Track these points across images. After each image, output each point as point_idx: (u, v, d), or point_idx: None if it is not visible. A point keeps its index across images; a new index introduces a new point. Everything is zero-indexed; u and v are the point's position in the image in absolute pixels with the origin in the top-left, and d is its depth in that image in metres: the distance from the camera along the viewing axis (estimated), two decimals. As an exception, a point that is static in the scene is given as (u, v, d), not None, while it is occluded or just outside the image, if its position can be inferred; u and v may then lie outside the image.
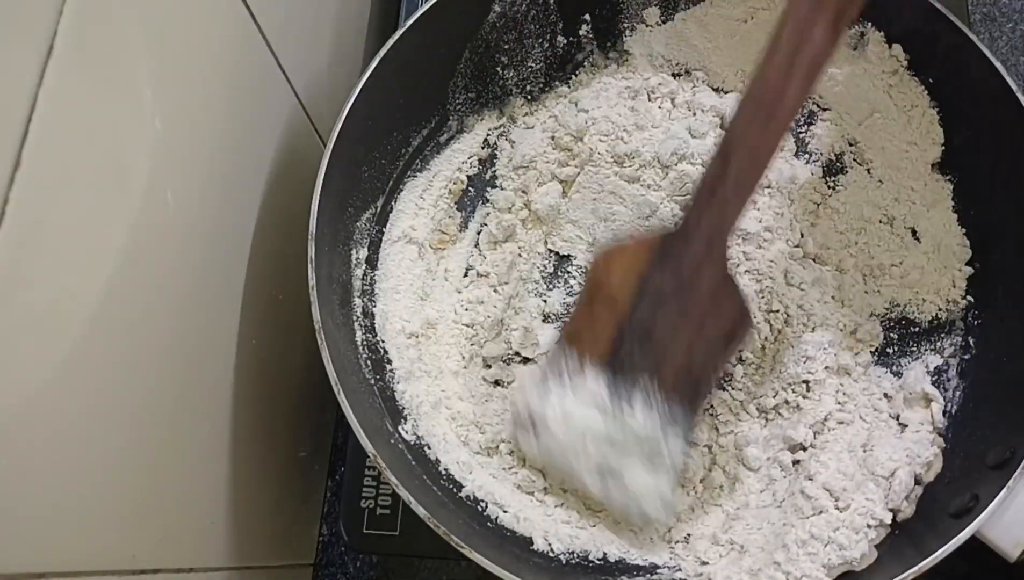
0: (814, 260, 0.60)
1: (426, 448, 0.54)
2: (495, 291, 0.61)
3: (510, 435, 0.54)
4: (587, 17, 0.64)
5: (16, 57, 0.30)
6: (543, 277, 0.61)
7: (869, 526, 0.49)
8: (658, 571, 0.52)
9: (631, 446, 0.50)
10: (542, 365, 0.53)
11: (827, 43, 0.44)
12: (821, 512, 0.50)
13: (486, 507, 0.53)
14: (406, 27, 0.56)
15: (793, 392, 0.57)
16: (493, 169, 0.64)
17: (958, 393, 0.56)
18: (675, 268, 0.49)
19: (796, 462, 0.55)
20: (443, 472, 0.53)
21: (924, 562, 0.45)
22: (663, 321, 0.50)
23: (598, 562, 0.52)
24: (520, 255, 0.62)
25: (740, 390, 0.57)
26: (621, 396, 0.50)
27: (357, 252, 0.57)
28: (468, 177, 0.64)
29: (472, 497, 0.53)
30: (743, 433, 0.56)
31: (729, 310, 0.50)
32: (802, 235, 0.60)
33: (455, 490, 0.53)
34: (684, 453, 0.51)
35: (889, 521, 0.50)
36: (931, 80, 0.60)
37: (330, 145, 0.52)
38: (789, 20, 0.44)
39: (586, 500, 0.53)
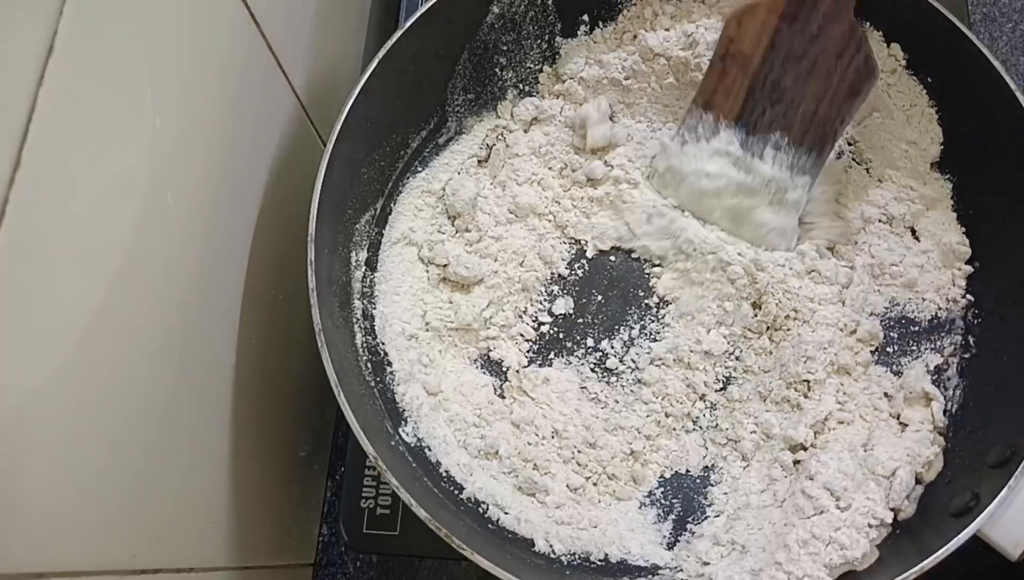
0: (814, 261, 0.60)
1: (427, 450, 0.54)
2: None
3: (656, 184, 0.59)
4: (585, 17, 0.64)
5: (16, 57, 0.30)
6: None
7: (870, 526, 0.49)
8: (659, 572, 0.52)
9: (760, 189, 0.55)
10: (678, 129, 0.57)
11: None
12: (822, 512, 0.50)
13: (487, 509, 0.53)
14: (406, 27, 0.56)
15: (795, 391, 0.57)
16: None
17: (958, 392, 0.56)
18: (804, 24, 0.51)
19: (797, 462, 0.54)
20: (444, 474, 0.53)
21: (925, 561, 0.45)
22: (794, 76, 0.53)
23: (599, 563, 0.52)
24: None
25: (745, 385, 0.58)
26: (753, 149, 0.54)
27: (357, 254, 0.57)
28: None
29: (473, 499, 0.53)
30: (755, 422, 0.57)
31: (856, 64, 0.52)
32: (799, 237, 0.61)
33: (456, 492, 0.53)
34: (807, 193, 0.55)
35: (890, 520, 0.50)
36: (930, 79, 0.60)
37: (329, 146, 0.52)
38: None
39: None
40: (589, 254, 0.61)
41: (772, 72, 0.53)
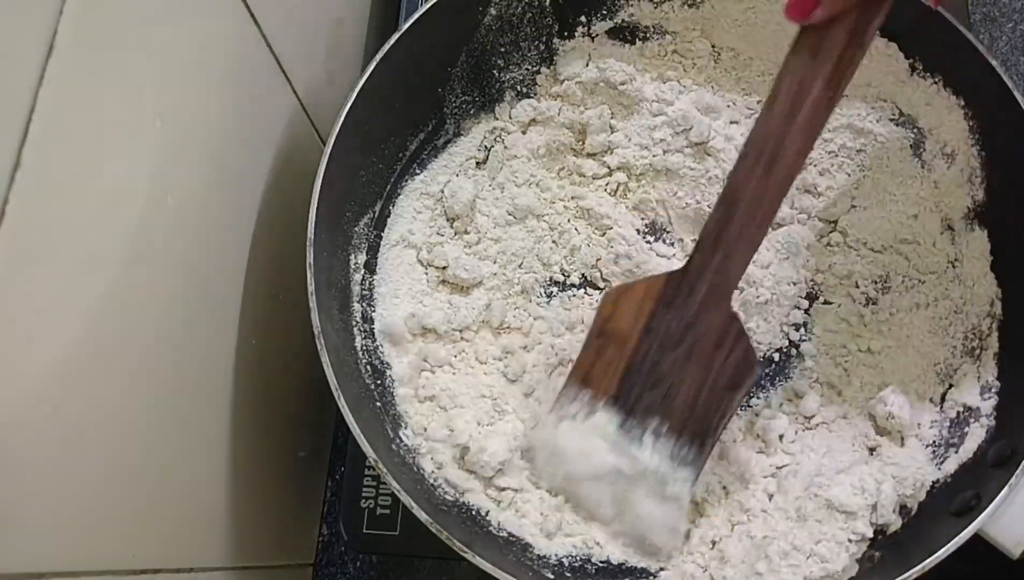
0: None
1: (427, 452, 0.54)
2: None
3: (526, 464, 0.55)
4: (583, 19, 0.64)
5: (16, 56, 0.30)
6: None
7: (851, 540, 0.49)
8: (659, 574, 0.52)
9: (640, 480, 0.51)
10: (554, 404, 0.54)
11: (827, 97, 0.44)
12: (804, 524, 0.50)
13: (488, 511, 0.53)
14: (405, 28, 0.56)
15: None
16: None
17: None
18: (681, 312, 0.50)
19: (780, 468, 0.55)
20: (444, 476, 0.53)
21: (927, 561, 0.45)
22: (671, 362, 0.50)
23: (600, 564, 0.52)
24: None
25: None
26: (632, 434, 0.51)
27: (356, 257, 0.57)
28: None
29: (473, 501, 0.53)
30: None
31: (735, 356, 0.50)
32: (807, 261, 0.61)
33: (457, 493, 0.53)
34: (691, 490, 0.52)
35: (871, 535, 0.50)
36: (931, 80, 0.60)
37: (328, 148, 0.52)
38: (787, 70, 0.44)
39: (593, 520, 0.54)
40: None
41: (649, 354, 0.51)
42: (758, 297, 0.58)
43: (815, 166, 0.62)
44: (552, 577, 0.51)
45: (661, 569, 0.52)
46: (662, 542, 0.52)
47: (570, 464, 0.52)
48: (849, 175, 0.62)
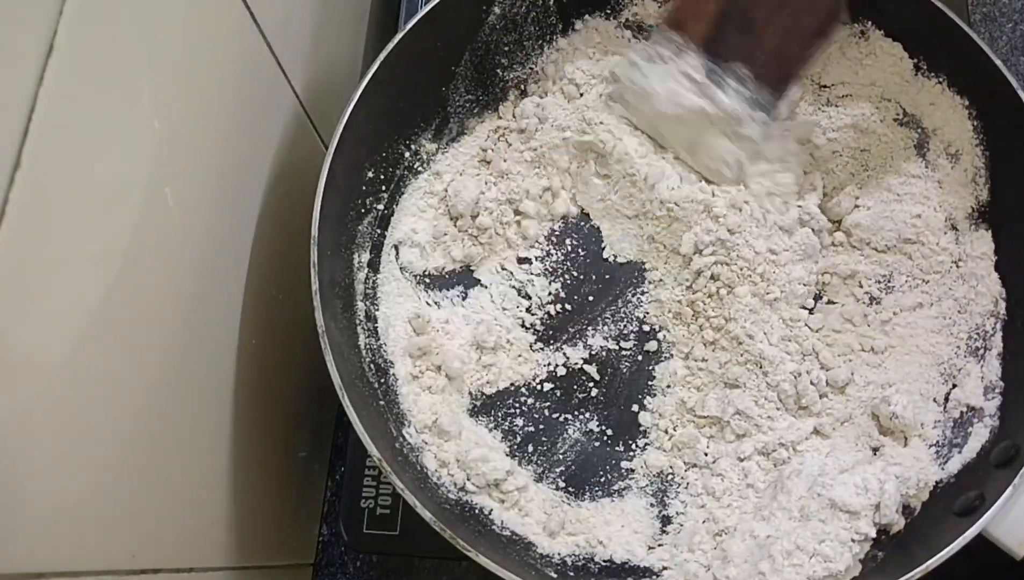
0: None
1: (430, 451, 0.54)
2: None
3: (618, 99, 0.59)
4: (586, 17, 0.64)
5: (16, 57, 0.30)
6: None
7: (854, 540, 0.49)
8: (661, 574, 0.52)
9: (718, 121, 0.54)
10: (646, 46, 0.57)
11: None
12: (807, 524, 0.50)
13: (491, 510, 0.53)
14: (406, 29, 0.56)
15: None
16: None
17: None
18: None
19: (782, 467, 0.54)
20: (448, 475, 0.53)
21: (930, 560, 0.45)
22: (765, 8, 0.53)
23: (604, 563, 0.52)
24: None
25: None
26: (715, 76, 0.54)
27: (359, 256, 0.57)
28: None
29: (476, 500, 0.53)
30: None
31: (825, 3, 0.52)
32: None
33: (460, 492, 0.53)
34: (766, 132, 0.55)
35: (874, 535, 0.49)
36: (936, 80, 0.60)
37: (332, 148, 0.52)
38: None
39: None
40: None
41: (741, 2, 0.53)
42: (768, 293, 0.58)
43: (817, 167, 0.62)
44: (555, 576, 0.51)
45: (664, 568, 0.52)
46: (724, 169, 0.55)
47: (657, 102, 0.55)
48: (853, 175, 0.62)
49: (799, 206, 0.60)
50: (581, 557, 0.52)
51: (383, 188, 0.60)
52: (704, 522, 0.54)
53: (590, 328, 0.60)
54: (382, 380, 0.55)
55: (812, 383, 0.57)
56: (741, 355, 0.57)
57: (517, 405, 0.58)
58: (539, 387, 0.58)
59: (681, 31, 0.55)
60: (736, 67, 0.54)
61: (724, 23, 0.54)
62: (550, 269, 0.61)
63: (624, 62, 0.59)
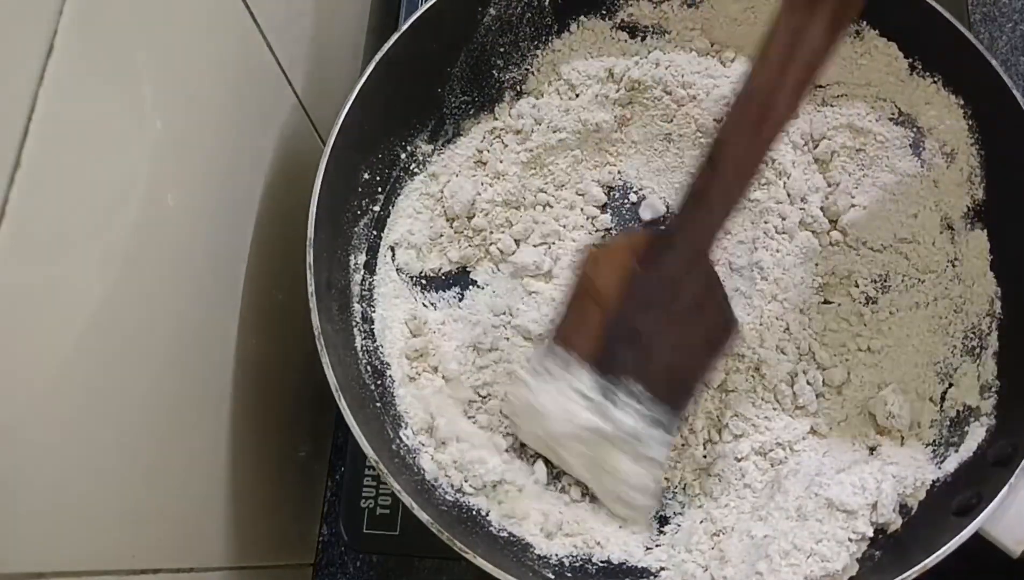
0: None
1: (427, 453, 0.54)
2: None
3: (508, 423, 0.56)
4: (582, 18, 0.64)
5: (16, 57, 0.30)
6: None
7: (851, 539, 0.49)
8: (659, 574, 0.52)
9: (617, 440, 0.50)
10: (532, 362, 0.54)
11: (822, 48, 0.43)
12: (804, 523, 0.50)
13: (488, 511, 0.53)
14: (403, 29, 0.56)
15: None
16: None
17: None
18: (661, 271, 0.49)
19: (780, 467, 0.54)
20: (445, 476, 0.53)
21: (928, 559, 0.45)
22: (649, 323, 0.50)
23: (601, 564, 0.52)
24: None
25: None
26: (608, 394, 0.50)
27: (355, 257, 0.57)
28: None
29: (474, 501, 0.53)
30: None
31: (714, 317, 0.50)
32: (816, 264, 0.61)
33: (457, 494, 0.53)
34: (667, 452, 0.52)
35: (871, 535, 0.49)
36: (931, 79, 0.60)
37: (327, 149, 0.52)
38: (782, 22, 0.43)
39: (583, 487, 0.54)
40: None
41: (630, 314, 0.50)
42: (774, 296, 0.59)
43: (816, 170, 0.62)
44: (552, 577, 0.51)
45: (662, 568, 0.52)
46: (634, 501, 0.52)
47: (550, 422, 0.51)
48: (849, 174, 0.62)
49: (802, 209, 0.60)
50: (579, 558, 0.52)
51: (379, 189, 0.60)
52: (701, 522, 0.54)
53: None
54: (379, 382, 0.55)
55: (809, 383, 0.57)
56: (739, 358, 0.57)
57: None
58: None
59: (570, 347, 0.51)
60: (629, 383, 0.50)
61: (612, 338, 0.50)
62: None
63: (515, 381, 0.55)
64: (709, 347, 0.50)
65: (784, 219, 0.60)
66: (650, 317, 0.50)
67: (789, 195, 0.61)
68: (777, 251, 0.60)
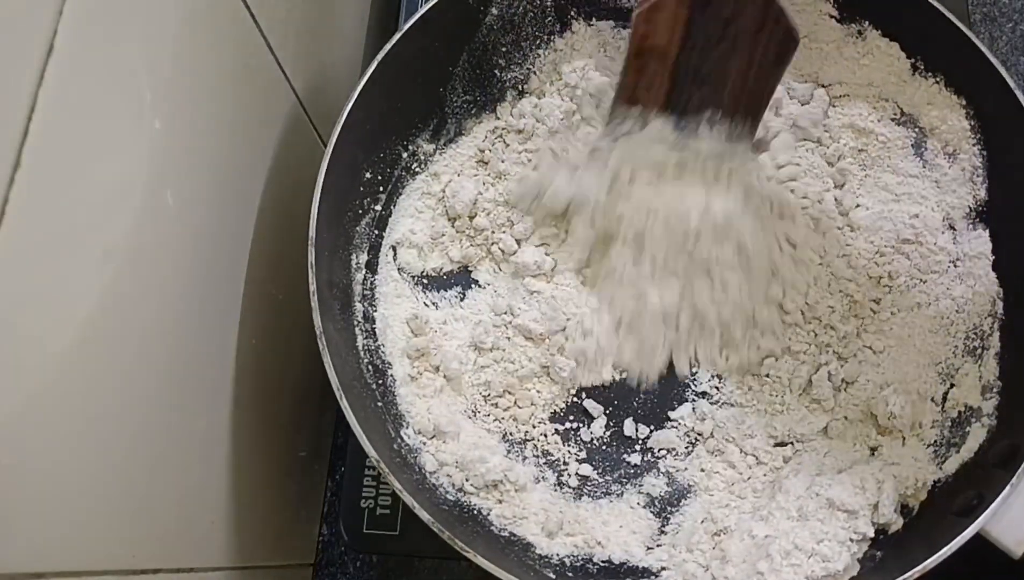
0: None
1: (428, 451, 0.54)
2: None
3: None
4: (584, 19, 0.64)
5: (16, 57, 0.30)
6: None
7: (852, 539, 0.49)
8: (659, 575, 0.52)
9: (699, 164, 0.54)
10: (605, 127, 0.56)
11: None
12: (805, 523, 0.50)
13: (489, 511, 0.53)
14: (405, 29, 0.56)
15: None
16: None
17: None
18: (717, 9, 0.51)
19: (781, 469, 0.54)
20: (446, 475, 0.53)
21: (928, 560, 0.45)
22: (715, 59, 0.52)
23: (602, 564, 0.52)
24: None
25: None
26: (688, 129, 0.54)
27: (357, 257, 0.57)
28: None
29: (475, 501, 0.53)
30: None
31: (776, 35, 0.51)
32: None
33: (458, 493, 0.53)
34: (751, 159, 0.54)
35: (872, 535, 0.49)
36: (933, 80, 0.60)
37: (329, 148, 0.52)
38: None
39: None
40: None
41: (692, 60, 0.52)
42: None
43: (815, 168, 0.62)
44: (553, 577, 0.51)
45: (663, 568, 0.52)
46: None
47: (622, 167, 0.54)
48: (853, 175, 0.62)
49: (819, 204, 0.60)
50: (579, 558, 0.52)
51: (381, 189, 0.60)
52: (702, 522, 0.54)
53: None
54: (380, 381, 0.55)
55: (830, 378, 0.57)
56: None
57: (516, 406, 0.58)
58: (538, 388, 0.58)
59: (638, 104, 0.54)
60: (704, 114, 0.54)
61: (679, 84, 0.53)
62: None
63: (590, 157, 0.57)
64: (777, 61, 0.52)
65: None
66: (714, 53, 0.52)
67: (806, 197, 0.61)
68: None
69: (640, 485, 0.56)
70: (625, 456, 0.57)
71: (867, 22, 0.61)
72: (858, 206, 0.61)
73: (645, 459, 0.57)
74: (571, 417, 0.58)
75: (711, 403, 0.58)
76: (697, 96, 0.53)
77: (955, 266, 0.58)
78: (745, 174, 0.56)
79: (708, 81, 0.52)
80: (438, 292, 0.60)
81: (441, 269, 0.61)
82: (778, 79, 0.53)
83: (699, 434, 0.57)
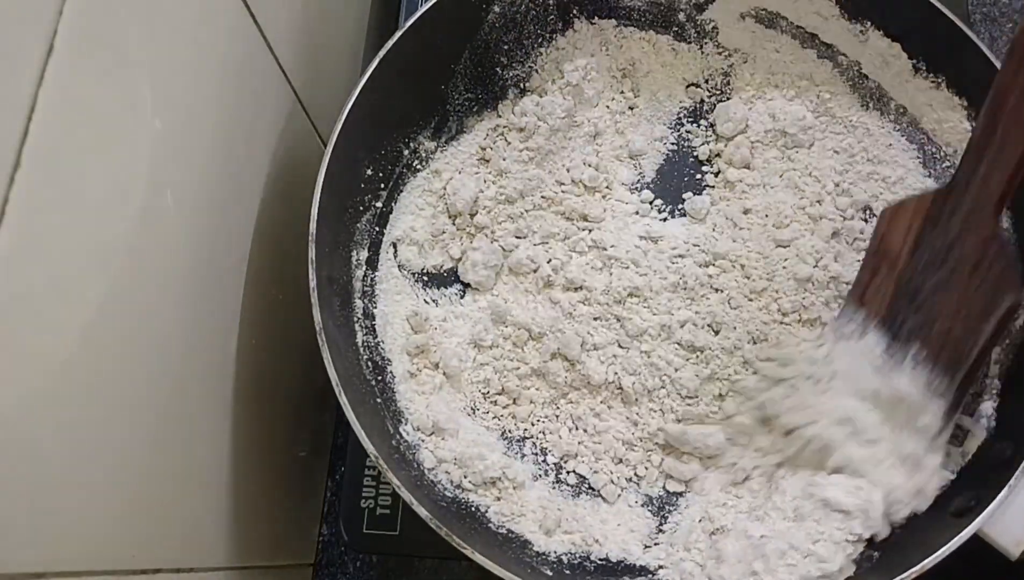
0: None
1: (427, 448, 0.54)
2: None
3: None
4: (586, 17, 0.64)
5: (16, 57, 0.30)
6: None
7: (848, 540, 0.49)
8: (657, 572, 0.52)
9: (897, 406, 0.50)
10: (835, 322, 0.54)
11: None
12: (801, 524, 0.50)
13: (488, 508, 0.53)
14: (406, 27, 0.56)
15: None
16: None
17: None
18: (945, 230, 0.49)
19: (778, 471, 0.54)
20: (444, 472, 0.53)
21: (926, 561, 0.45)
22: (933, 284, 0.50)
23: (600, 562, 0.52)
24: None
25: None
26: (895, 358, 0.51)
27: (357, 253, 0.58)
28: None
29: (473, 498, 0.53)
30: None
31: (990, 280, 0.47)
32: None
33: (456, 490, 0.53)
34: (943, 425, 0.49)
35: (868, 536, 0.49)
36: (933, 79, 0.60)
37: (330, 146, 0.52)
38: None
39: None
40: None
41: (915, 276, 0.50)
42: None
43: (814, 169, 0.62)
44: (551, 574, 0.51)
45: (660, 567, 0.52)
46: (883, 478, 0.50)
47: (841, 382, 0.51)
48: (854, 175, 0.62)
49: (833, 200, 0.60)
50: (577, 555, 0.52)
51: (382, 186, 0.60)
52: (700, 521, 0.54)
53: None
54: (379, 378, 0.55)
55: None
56: None
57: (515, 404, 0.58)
58: (537, 386, 0.58)
59: (864, 307, 0.52)
60: (914, 347, 0.50)
61: (899, 300, 0.51)
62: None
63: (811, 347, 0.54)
64: (984, 312, 0.48)
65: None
66: (934, 279, 0.49)
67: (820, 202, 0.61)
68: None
69: (638, 484, 0.56)
70: (624, 455, 0.57)
71: (869, 23, 0.60)
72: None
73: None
74: (570, 416, 0.58)
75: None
76: (911, 322, 0.50)
77: None
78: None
79: (922, 309, 0.50)
80: (438, 289, 0.60)
81: (441, 266, 0.61)
82: (982, 337, 0.47)
83: None
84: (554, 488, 0.55)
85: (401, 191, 0.61)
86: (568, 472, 0.56)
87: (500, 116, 0.64)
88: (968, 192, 0.47)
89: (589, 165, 0.63)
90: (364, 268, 0.58)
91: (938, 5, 0.56)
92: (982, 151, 0.46)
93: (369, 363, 0.55)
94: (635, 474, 0.56)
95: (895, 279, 0.50)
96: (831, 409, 0.52)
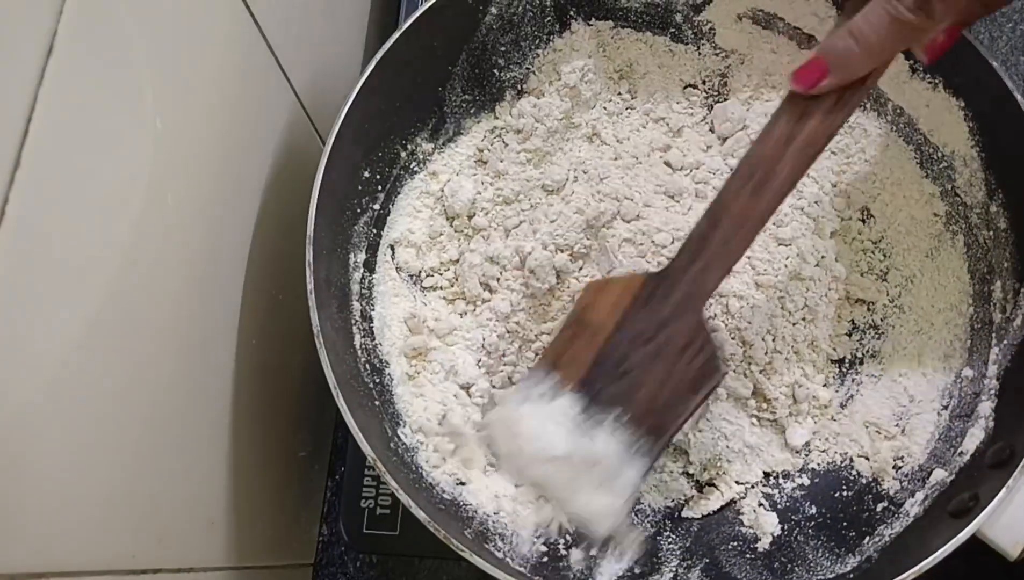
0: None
1: (425, 451, 0.54)
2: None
3: (487, 435, 0.55)
4: (583, 19, 0.64)
5: (16, 57, 0.30)
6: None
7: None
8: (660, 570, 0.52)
9: (593, 467, 0.50)
10: (519, 382, 0.54)
11: (826, 127, 0.45)
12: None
13: (486, 509, 0.53)
14: (405, 28, 0.56)
15: None
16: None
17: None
18: (655, 311, 0.50)
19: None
20: (442, 474, 0.53)
21: (924, 561, 0.45)
22: (639, 358, 0.51)
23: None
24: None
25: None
26: (592, 420, 0.51)
27: (355, 256, 0.57)
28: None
29: (471, 499, 0.53)
30: None
31: (699, 361, 0.50)
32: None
33: (455, 492, 0.53)
34: (639, 484, 0.51)
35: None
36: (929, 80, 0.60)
37: (327, 147, 0.52)
38: (789, 99, 0.46)
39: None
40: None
41: (620, 347, 0.51)
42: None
43: (814, 171, 0.62)
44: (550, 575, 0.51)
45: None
46: (601, 527, 0.51)
47: (527, 444, 0.51)
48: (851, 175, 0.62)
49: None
50: (576, 556, 0.53)
51: (379, 188, 0.60)
52: None
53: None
54: (377, 380, 0.55)
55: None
56: None
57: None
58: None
59: (558, 371, 0.52)
60: (613, 410, 0.51)
61: (601, 368, 0.51)
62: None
63: (500, 403, 0.55)
64: (692, 388, 0.51)
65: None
66: (640, 352, 0.51)
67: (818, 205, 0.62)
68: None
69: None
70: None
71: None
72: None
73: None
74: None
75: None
76: (613, 388, 0.51)
77: None
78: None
79: (626, 378, 0.51)
80: (436, 291, 0.60)
81: (439, 268, 0.61)
82: (688, 410, 0.51)
83: None
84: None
85: (399, 193, 0.61)
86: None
87: (497, 118, 0.64)
88: (683, 281, 0.49)
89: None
90: (362, 270, 0.58)
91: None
92: (702, 247, 0.48)
93: (367, 365, 0.55)
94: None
95: (597, 348, 0.51)
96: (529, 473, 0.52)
